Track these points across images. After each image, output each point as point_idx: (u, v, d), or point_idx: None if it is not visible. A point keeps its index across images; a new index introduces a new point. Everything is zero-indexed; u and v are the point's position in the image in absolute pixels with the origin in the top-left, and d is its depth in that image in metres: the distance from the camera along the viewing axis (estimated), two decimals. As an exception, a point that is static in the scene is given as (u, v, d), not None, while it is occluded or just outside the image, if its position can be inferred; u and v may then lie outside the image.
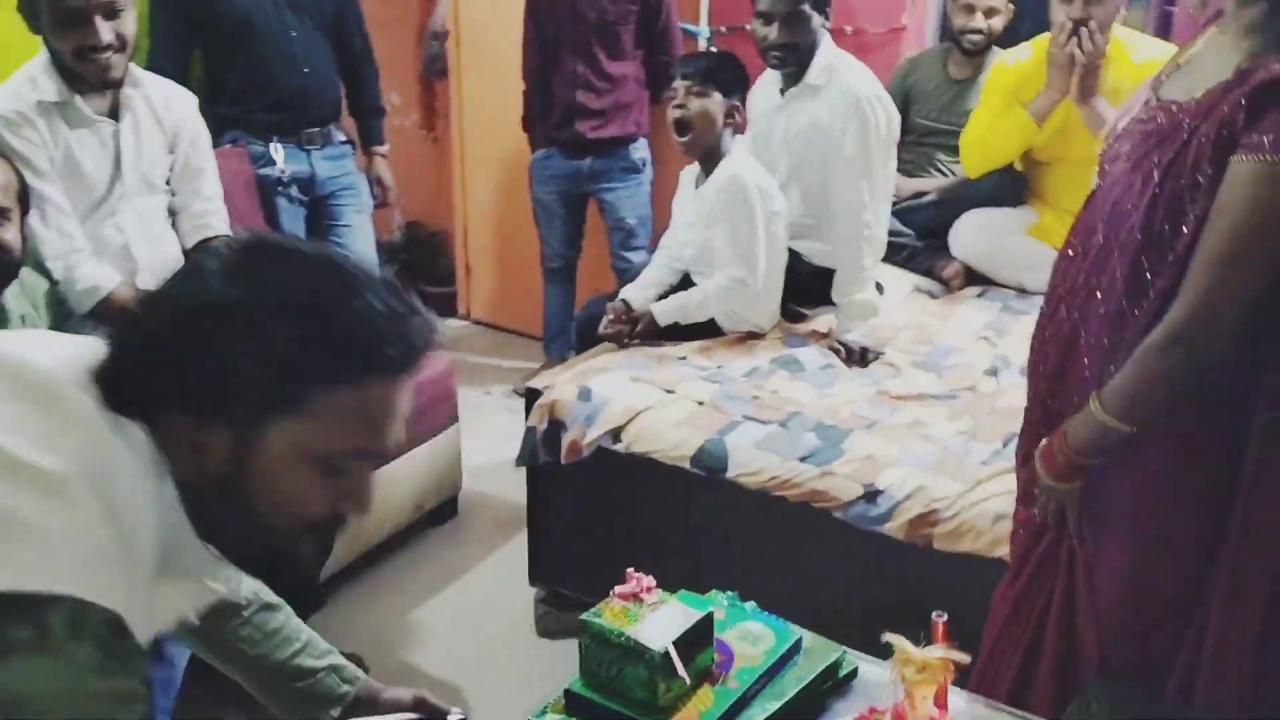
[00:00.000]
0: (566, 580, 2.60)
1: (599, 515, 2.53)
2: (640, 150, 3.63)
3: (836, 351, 2.68)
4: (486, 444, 3.34)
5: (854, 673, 1.40)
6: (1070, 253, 1.55)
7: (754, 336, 2.73)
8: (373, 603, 2.77)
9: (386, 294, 0.87)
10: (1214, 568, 1.46)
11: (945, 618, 1.05)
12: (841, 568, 2.21)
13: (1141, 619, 1.50)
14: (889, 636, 1.03)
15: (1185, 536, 1.46)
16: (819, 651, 1.43)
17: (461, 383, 3.22)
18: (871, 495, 2.12)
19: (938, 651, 1.01)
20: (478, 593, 2.87)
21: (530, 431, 2.51)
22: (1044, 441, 1.51)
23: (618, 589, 1.44)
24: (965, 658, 1.00)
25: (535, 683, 2.13)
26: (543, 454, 2.49)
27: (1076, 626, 1.57)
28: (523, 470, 2.61)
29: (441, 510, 3.10)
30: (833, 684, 1.38)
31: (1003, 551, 1.96)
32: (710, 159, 2.68)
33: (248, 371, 0.83)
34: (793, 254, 2.79)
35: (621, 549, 2.09)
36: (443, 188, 4.49)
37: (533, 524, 2.64)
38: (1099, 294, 1.47)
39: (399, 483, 2.83)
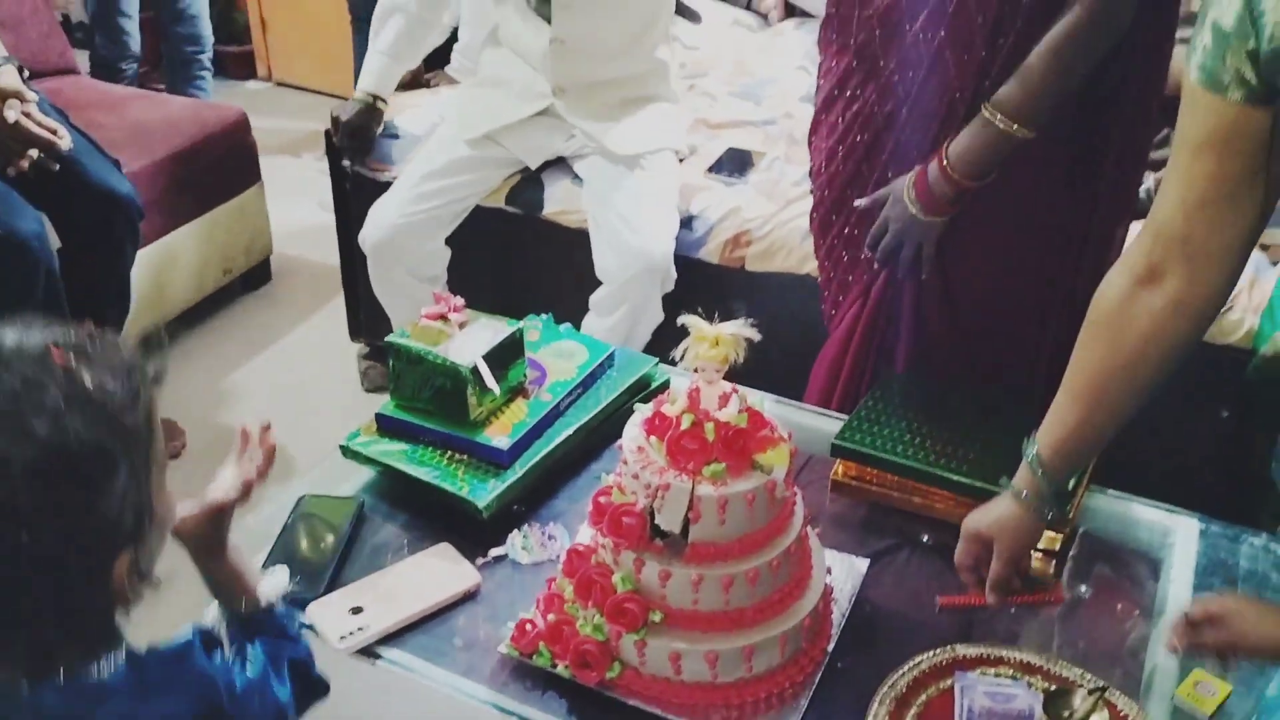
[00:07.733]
0: (388, 333, 2.54)
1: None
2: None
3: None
4: (299, 209, 3.18)
5: (666, 384, 1.42)
6: None
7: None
8: (184, 368, 2.64)
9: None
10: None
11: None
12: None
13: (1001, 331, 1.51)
14: (684, 318, 1.02)
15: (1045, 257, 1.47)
16: (632, 364, 1.46)
17: (268, 149, 3.05)
18: (686, 220, 2.11)
19: (731, 327, 1.00)
20: (298, 355, 2.79)
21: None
22: (912, 176, 1.40)
23: (425, 310, 1.41)
24: (757, 335, 1.00)
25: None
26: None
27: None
28: (335, 234, 2.51)
29: (253, 275, 2.98)
30: (646, 395, 1.41)
31: (811, 268, 1.99)
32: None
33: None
34: None
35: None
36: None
37: (350, 281, 2.55)
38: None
39: (198, 244, 2.70)
